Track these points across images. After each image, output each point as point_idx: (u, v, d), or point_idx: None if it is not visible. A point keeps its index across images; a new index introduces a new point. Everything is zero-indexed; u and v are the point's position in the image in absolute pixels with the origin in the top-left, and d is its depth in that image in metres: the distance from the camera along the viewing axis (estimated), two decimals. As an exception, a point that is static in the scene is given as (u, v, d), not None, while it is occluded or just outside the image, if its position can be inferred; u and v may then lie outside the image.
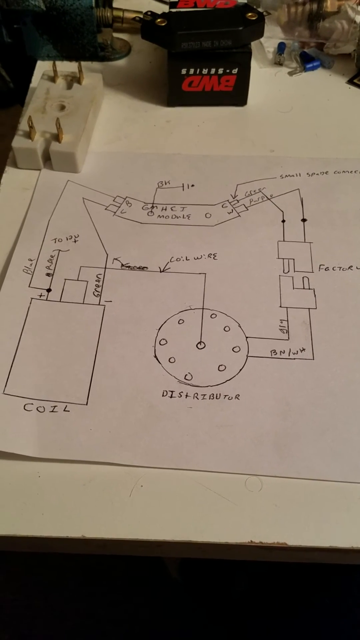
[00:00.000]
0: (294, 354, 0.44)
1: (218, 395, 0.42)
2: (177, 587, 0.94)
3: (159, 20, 0.57)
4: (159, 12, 0.58)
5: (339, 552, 0.36)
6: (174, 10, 0.58)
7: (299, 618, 0.87)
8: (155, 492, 0.38)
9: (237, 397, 0.42)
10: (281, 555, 0.37)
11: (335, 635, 0.86)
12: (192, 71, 0.59)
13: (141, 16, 0.59)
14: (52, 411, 0.41)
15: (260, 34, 0.58)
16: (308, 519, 0.37)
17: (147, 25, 0.58)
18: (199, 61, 0.58)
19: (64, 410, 0.41)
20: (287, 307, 0.46)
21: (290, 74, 0.66)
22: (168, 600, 0.94)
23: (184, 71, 0.59)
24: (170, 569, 0.94)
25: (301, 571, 0.88)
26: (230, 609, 0.90)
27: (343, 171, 0.56)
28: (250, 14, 0.57)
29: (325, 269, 0.49)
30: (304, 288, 0.48)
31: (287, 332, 0.45)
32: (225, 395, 0.42)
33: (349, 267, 0.49)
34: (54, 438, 0.40)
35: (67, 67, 0.64)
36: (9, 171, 0.56)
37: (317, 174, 0.55)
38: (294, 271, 0.49)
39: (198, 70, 0.59)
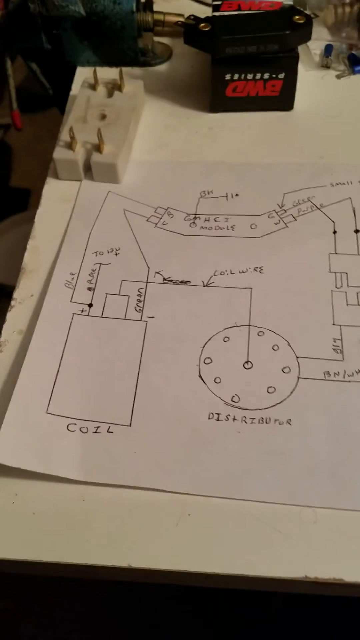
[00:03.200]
0: (349, 375, 0.42)
1: (268, 420, 0.40)
2: (215, 597, 0.93)
3: (202, 24, 0.55)
4: (201, 16, 0.57)
5: None
6: (217, 14, 0.57)
7: None
8: (204, 522, 0.37)
9: (288, 422, 0.40)
10: (337, 590, 0.35)
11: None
12: (236, 76, 0.57)
13: (183, 20, 0.58)
14: (96, 432, 0.40)
15: (307, 37, 0.56)
16: (366, 554, 0.35)
17: (190, 30, 0.56)
18: (243, 66, 0.56)
19: (108, 432, 0.40)
20: (340, 325, 0.44)
21: (338, 77, 0.63)
22: (209, 607, 0.92)
23: (228, 76, 0.57)
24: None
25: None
26: (266, 625, 0.89)
27: None
28: (297, 17, 0.55)
29: (380, 284, 0.46)
30: (359, 304, 0.45)
31: (342, 352, 0.43)
32: (276, 420, 0.40)
33: None
34: (98, 461, 0.39)
35: (107, 73, 0.63)
36: (50, 182, 0.55)
37: (369, 182, 0.53)
38: (348, 286, 0.46)
39: (243, 75, 0.57)
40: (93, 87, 0.59)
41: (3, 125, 1.73)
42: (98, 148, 0.53)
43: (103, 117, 0.56)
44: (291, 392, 0.41)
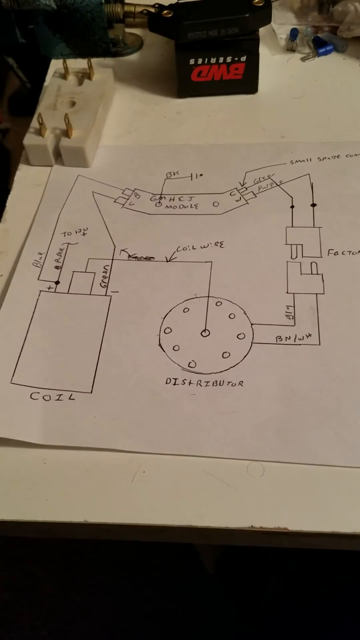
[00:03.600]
0: (299, 339, 0.43)
1: (221, 382, 0.42)
2: (213, 583, 0.94)
3: (165, 11, 0.57)
4: (166, 4, 0.58)
5: (343, 537, 0.36)
6: (181, 1, 0.58)
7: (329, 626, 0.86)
8: (157, 478, 0.39)
9: (240, 383, 0.42)
10: (283, 541, 0.37)
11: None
12: (200, 61, 0.59)
13: (149, 9, 0.59)
14: (58, 400, 0.42)
15: (267, 20, 0.58)
16: (310, 504, 0.37)
17: (153, 18, 0.58)
18: (206, 50, 0.58)
19: (69, 399, 0.42)
20: (294, 293, 0.46)
21: (303, 59, 0.65)
22: (204, 596, 0.94)
23: (192, 61, 0.59)
24: (207, 565, 0.94)
25: (339, 573, 0.86)
26: (262, 609, 0.90)
27: (355, 154, 0.55)
28: (256, 1, 0.56)
29: (334, 254, 0.48)
30: (312, 273, 0.47)
31: (294, 318, 0.44)
32: (229, 382, 0.42)
33: (359, 251, 0.48)
34: (59, 426, 0.41)
35: (80, 64, 0.65)
36: (22, 168, 0.57)
37: (329, 159, 0.54)
38: (302, 257, 0.48)
39: (206, 59, 0.58)
40: (64, 76, 0.61)
41: (1, 130, 1.77)
42: (66, 133, 0.55)
43: (72, 104, 0.58)
44: (244, 356, 0.43)
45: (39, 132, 0.56)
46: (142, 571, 0.97)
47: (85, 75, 0.61)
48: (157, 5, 0.59)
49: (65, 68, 0.61)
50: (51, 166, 0.57)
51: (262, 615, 0.90)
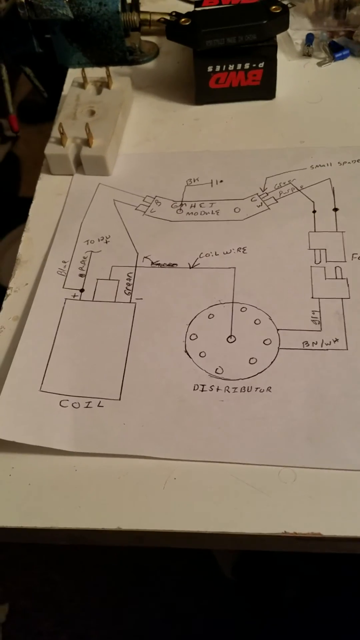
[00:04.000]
0: (326, 344, 0.43)
1: (249, 388, 0.42)
2: (230, 588, 0.94)
3: (183, 19, 0.58)
4: (184, 12, 0.59)
5: (376, 542, 0.36)
6: (198, 9, 0.59)
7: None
8: (189, 485, 0.39)
9: (268, 389, 0.42)
10: (316, 546, 0.37)
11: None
12: (218, 68, 0.59)
13: (166, 17, 0.60)
14: (87, 407, 0.42)
15: (285, 26, 0.58)
16: (343, 509, 0.37)
17: (171, 26, 0.58)
18: (224, 58, 0.58)
19: (98, 406, 0.42)
20: (319, 298, 0.46)
21: (320, 64, 0.65)
22: (221, 600, 0.94)
23: (210, 69, 0.59)
24: (224, 570, 0.94)
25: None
26: (280, 613, 0.90)
27: (375, 158, 0.55)
28: (274, 7, 0.57)
29: (358, 258, 0.48)
30: (336, 278, 0.47)
31: (320, 323, 0.45)
32: (257, 388, 0.42)
33: (383, 255, 0.48)
34: (89, 433, 0.41)
35: (97, 73, 0.66)
36: (43, 178, 0.58)
37: (349, 163, 0.55)
38: (326, 261, 0.48)
39: (224, 66, 0.59)
40: (82, 85, 0.62)
41: (11, 137, 1.78)
42: (87, 142, 0.56)
43: (92, 113, 0.59)
44: (271, 362, 0.43)
45: (60, 142, 0.56)
46: (160, 576, 0.97)
47: (103, 84, 0.61)
48: (174, 13, 0.59)
49: (84, 77, 0.61)
50: (72, 175, 0.57)
51: (282, 617, 0.89)
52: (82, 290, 0.49)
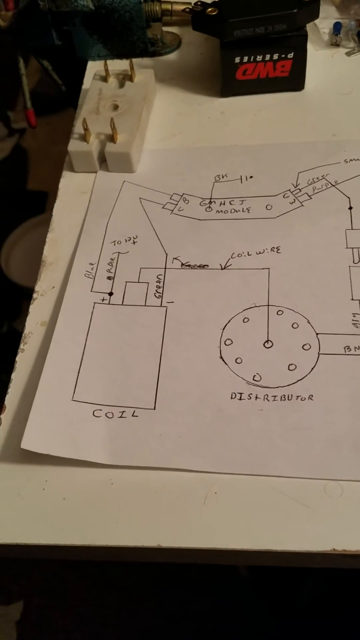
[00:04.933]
0: (369, 349, 0.42)
1: (290, 397, 0.40)
2: (247, 586, 0.93)
3: (209, 9, 0.55)
4: (208, 1, 0.57)
5: None
6: (224, -3, 0.57)
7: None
8: (230, 499, 0.37)
9: (310, 397, 0.40)
10: (367, 564, 0.36)
11: None
12: (246, 59, 0.57)
13: (191, 7, 0.58)
14: (121, 417, 0.41)
15: (315, 15, 0.56)
16: (394, 525, 0.35)
17: (197, 16, 0.56)
18: (252, 48, 0.56)
19: (133, 416, 0.41)
20: (359, 300, 0.44)
21: (348, 54, 0.62)
22: (238, 598, 0.93)
23: (237, 60, 0.57)
24: (240, 568, 0.93)
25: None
26: (298, 614, 0.88)
27: None
28: (304, -5, 0.54)
29: None
30: None
31: (361, 326, 0.43)
32: (298, 396, 0.40)
33: None
34: (125, 444, 0.40)
35: (118, 65, 0.64)
36: (66, 175, 0.56)
37: (384, 157, 0.52)
38: (365, 261, 0.46)
39: (252, 57, 0.56)
40: (104, 79, 0.59)
41: (18, 130, 1.75)
42: (112, 138, 0.54)
43: (115, 107, 0.57)
44: (312, 369, 0.41)
45: (84, 138, 0.54)
46: (175, 575, 0.96)
47: (126, 77, 0.59)
48: (199, 3, 0.57)
49: (106, 70, 0.59)
50: (95, 172, 0.56)
51: (300, 617, 0.88)
52: (110, 294, 0.47)
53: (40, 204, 1.46)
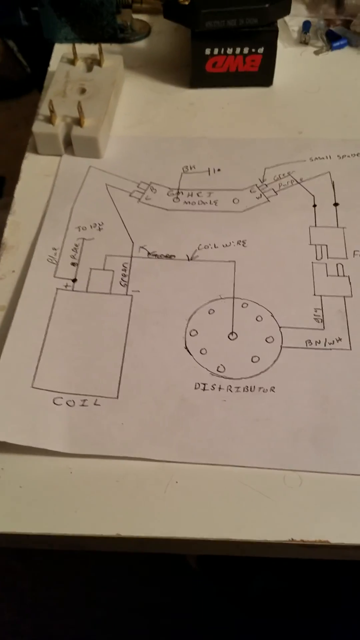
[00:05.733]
0: (330, 344, 0.42)
1: (252, 388, 0.41)
2: (197, 577, 0.94)
3: (181, -2, 0.55)
4: (181, -9, 0.56)
5: (384, 550, 0.35)
6: (197, -13, 0.56)
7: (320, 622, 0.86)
8: (191, 489, 0.37)
9: (272, 389, 0.40)
10: (323, 553, 0.36)
11: None
12: (216, 51, 0.57)
13: (163, -5, 0.57)
14: (83, 405, 0.40)
15: (286, 11, 0.56)
16: (351, 515, 0.36)
17: (169, 5, 0.55)
18: (223, 41, 0.56)
19: (95, 404, 0.40)
20: (321, 296, 0.45)
21: (317, 53, 0.63)
22: (188, 589, 0.93)
23: (207, 51, 0.57)
24: (189, 559, 0.94)
25: (336, 570, 0.86)
26: (247, 605, 0.90)
27: (375, 153, 0.54)
28: (276, -10, 0.54)
29: None
30: (338, 275, 0.46)
31: (322, 321, 0.43)
32: (260, 388, 0.40)
33: (385, 253, 0.47)
34: (85, 433, 0.39)
35: (86, 49, 0.62)
36: (29, 157, 0.55)
37: (349, 156, 0.53)
38: (328, 258, 0.47)
39: (222, 50, 0.56)
40: (72, 62, 0.58)
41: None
42: (78, 122, 0.53)
43: (83, 91, 0.56)
44: (274, 361, 0.42)
45: (49, 120, 0.53)
46: (124, 565, 0.96)
47: (94, 62, 0.58)
48: (172, -9, 0.56)
49: (74, 53, 0.58)
50: (60, 156, 0.54)
51: (251, 608, 0.89)
52: (74, 280, 0.46)
53: (-3, 189, 1.42)
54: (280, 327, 0.43)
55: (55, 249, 0.48)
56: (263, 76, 0.59)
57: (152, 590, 0.94)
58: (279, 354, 0.42)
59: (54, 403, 0.40)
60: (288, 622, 0.86)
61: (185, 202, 0.51)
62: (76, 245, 0.48)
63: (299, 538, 0.35)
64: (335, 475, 0.37)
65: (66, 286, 0.46)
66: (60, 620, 0.94)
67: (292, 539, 0.35)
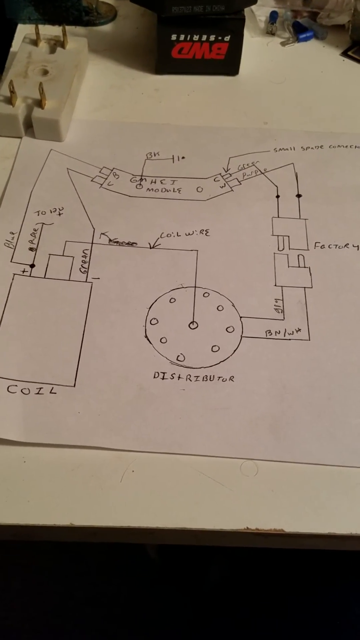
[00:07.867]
0: (289, 334, 0.42)
1: (212, 377, 0.40)
2: (156, 568, 0.94)
3: (148, -19, 0.54)
4: (148, -26, 0.55)
5: (338, 538, 0.35)
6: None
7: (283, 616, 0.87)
8: (147, 478, 0.37)
9: (231, 378, 0.40)
10: (278, 542, 0.36)
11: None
12: (182, 37, 0.56)
13: (129, -23, 0.56)
14: (38, 393, 0.39)
15: (254, 0, 0.56)
16: (305, 504, 0.36)
17: (135, -13, 0.55)
18: (190, 27, 0.55)
19: (50, 393, 0.39)
20: (282, 286, 0.45)
21: (283, 44, 0.63)
22: (147, 581, 0.93)
23: (174, 37, 0.56)
24: (149, 550, 0.93)
25: (289, 559, 0.87)
26: (205, 597, 0.90)
27: (338, 146, 0.54)
28: (244, -22, 0.54)
29: (321, 247, 0.47)
30: (299, 266, 0.46)
31: (283, 311, 0.43)
32: (220, 377, 0.40)
33: (345, 245, 0.47)
34: (40, 421, 0.38)
35: (49, 31, 0.61)
36: (-12, 139, 0.53)
37: (312, 148, 0.53)
38: (289, 249, 0.47)
39: (189, 36, 0.56)
40: (35, 42, 0.57)
41: None
42: (39, 103, 0.51)
43: (45, 72, 0.54)
44: (234, 351, 0.41)
45: (9, 101, 0.52)
46: (82, 556, 0.95)
47: (58, 43, 0.57)
48: (138, -26, 0.55)
49: (37, 34, 0.56)
50: (20, 138, 0.53)
51: (207, 600, 0.90)
52: (32, 266, 0.45)
53: None
54: (240, 317, 0.43)
55: (12, 233, 0.47)
56: (229, 65, 0.58)
57: (110, 580, 0.93)
58: (239, 344, 0.42)
59: (8, 391, 0.39)
60: (242, 618, 0.87)
61: (149, 189, 0.50)
62: (35, 230, 0.47)
63: (254, 527, 0.35)
64: (291, 464, 0.37)
65: (23, 271, 0.45)
66: (16, 612, 0.92)
67: (247, 528, 0.35)
